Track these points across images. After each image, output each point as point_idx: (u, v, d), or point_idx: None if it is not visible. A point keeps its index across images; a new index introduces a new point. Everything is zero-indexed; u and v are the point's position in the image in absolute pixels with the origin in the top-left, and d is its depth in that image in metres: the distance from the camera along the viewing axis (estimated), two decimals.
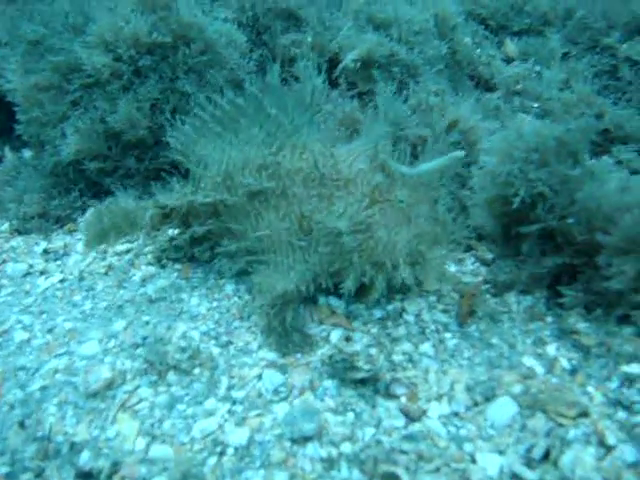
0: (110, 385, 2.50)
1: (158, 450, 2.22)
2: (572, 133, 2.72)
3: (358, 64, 3.86)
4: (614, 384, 2.39)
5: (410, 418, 2.32)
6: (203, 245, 3.03)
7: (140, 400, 2.43)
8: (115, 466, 2.17)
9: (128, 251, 3.41)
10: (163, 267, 3.23)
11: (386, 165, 2.57)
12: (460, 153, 2.39)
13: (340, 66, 3.92)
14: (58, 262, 3.43)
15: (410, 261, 2.50)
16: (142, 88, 3.48)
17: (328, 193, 2.59)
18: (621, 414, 2.26)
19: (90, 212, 3.75)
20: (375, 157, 2.61)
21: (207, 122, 2.94)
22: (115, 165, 3.68)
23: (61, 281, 3.23)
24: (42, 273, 3.34)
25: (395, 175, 2.56)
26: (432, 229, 2.53)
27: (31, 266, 3.40)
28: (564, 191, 2.68)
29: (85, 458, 2.21)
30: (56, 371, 2.60)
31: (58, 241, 3.62)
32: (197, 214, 2.93)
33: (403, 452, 2.17)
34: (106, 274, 3.25)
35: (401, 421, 2.30)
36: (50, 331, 2.85)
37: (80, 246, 3.53)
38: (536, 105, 4.93)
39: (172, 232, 3.26)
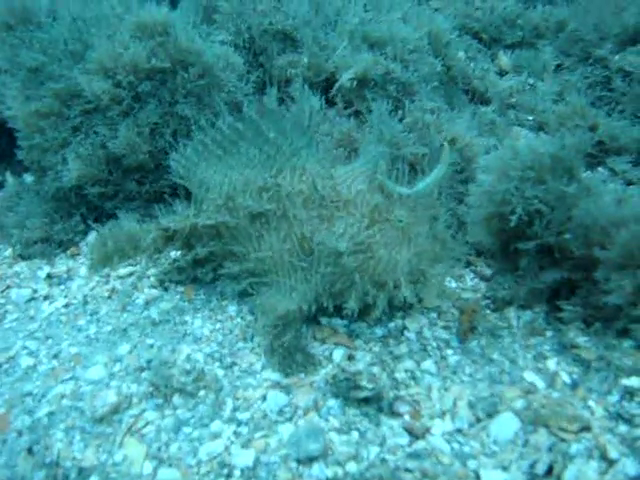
0: (116, 409, 2.52)
1: (166, 474, 2.25)
2: (567, 149, 2.76)
3: (354, 83, 3.89)
4: (615, 398, 2.42)
5: (414, 436, 2.35)
6: (206, 267, 3.07)
7: (146, 424, 2.46)
8: None
9: (131, 274, 3.44)
10: (166, 290, 3.26)
11: (384, 186, 2.61)
12: (447, 157, 2.48)
13: (336, 85, 3.96)
14: (62, 287, 3.45)
15: (411, 279, 2.54)
16: (142, 113, 3.51)
17: (328, 214, 2.63)
18: (622, 428, 2.29)
19: (93, 236, 3.78)
20: (373, 178, 2.64)
21: (208, 145, 2.97)
22: (116, 189, 3.71)
23: (65, 306, 3.26)
24: (46, 298, 3.37)
25: (393, 195, 2.59)
26: (432, 247, 2.57)
27: (35, 291, 3.43)
28: (561, 207, 2.72)
29: None
30: (63, 396, 2.62)
31: (61, 265, 3.65)
32: (199, 236, 2.97)
33: (408, 470, 2.20)
34: (110, 298, 3.28)
35: (405, 439, 2.33)
36: (56, 356, 2.87)
37: (83, 270, 3.56)
38: (531, 118, 4.98)
39: (175, 254, 3.29)
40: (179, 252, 3.19)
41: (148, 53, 3.43)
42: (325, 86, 4.12)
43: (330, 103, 4.03)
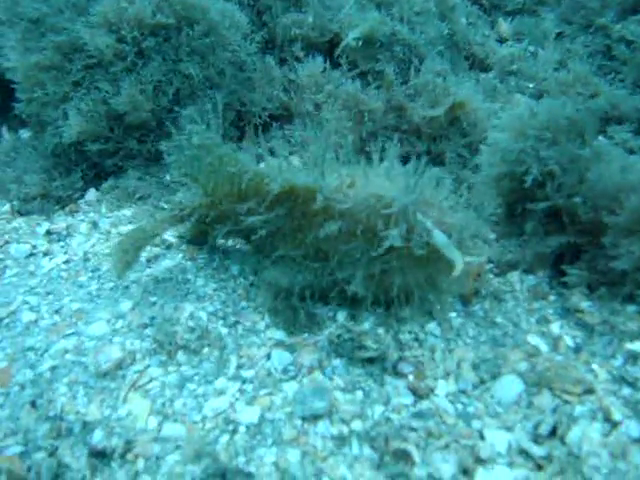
0: (120, 365, 2.51)
1: (171, 429, 2.25)
2: (582, 113, 2.74)
3: (360, 43, 3.84)
4: (618, 361, 2.43)
5: (418, 396, 2.36)
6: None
7: (150, 380, 2.45)
8: (128, 444, 2.19)
9: None
10: (168, 248, 3.24)
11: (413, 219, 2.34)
12: (460, 266, 2.26)
13: (342, 45, 3.91)
14: (61, 243, 3.42)
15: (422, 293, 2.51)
16: (145, 70, 3.46)
17: (346, 239, 2.45)
18: (626, 390, 2.31)
19: (93, 193, 3.75)
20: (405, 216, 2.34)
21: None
22: (117, 147, 3.67)
23: (66, 262, 3.23)
24: (46, 254, 3.33)
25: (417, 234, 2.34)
26: (446, 277, 2.42)
27: (34, 247, 3.39)
28: (573, 170, 2.71)
29: (98, 437, 2.22)
30: (65, 351, 2.60)
31: (60, 222, 3.61)
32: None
33: (413, 429, 2.21)
34: (111, 255, 3.25)
35: (409, 399, 2.34)
36: (57, 312, 2.85)
37: (83, 227, 3.53)
38: (531, 85, 4.94)
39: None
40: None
41: (153, 8, 3.37)
42: (329, 47, 4.08)
43: (334, 64, 3.99)
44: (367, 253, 2.40)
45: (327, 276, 2.57)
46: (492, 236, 3.16)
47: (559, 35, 5.63)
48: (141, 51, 3.45)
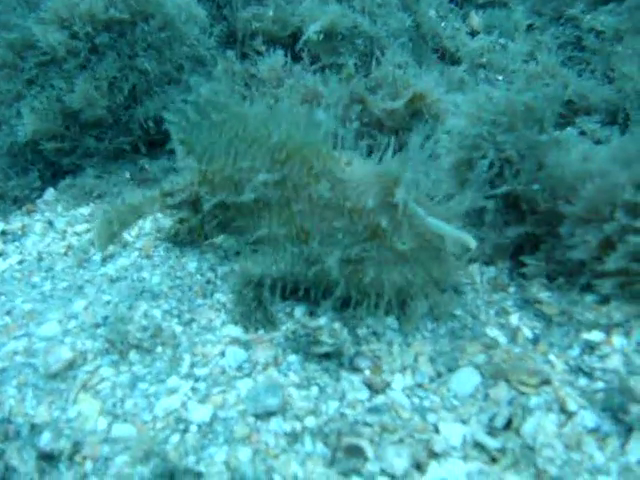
0: (71, 366, 2.46)
1: (120, 429, 2.20)
2: (540, 100, 2.72)
3: (321, 36, 3.81)
4: (575, 352, 2.42)
5: (374, 391, 2.33)
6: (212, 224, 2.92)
7: (102, 380, 2.40)
8: (76, 446, 2.15)
9: (88, 230, 3.36)
10: (124, 246, 3.19)
11: (402, 205, 2.28)
12: (473, 243, 2.21)
13: (303, 38, 3.87)
14: (16, 243, 3.36)
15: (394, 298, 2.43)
16: (100, 66, 3.41)
17: (331, 216, 2.44)
18: (582, 381, 2.29)
19: (51, 193, 3.70)
20: (389, 191, 2.30)
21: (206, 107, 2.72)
22: (73, 145, 3.61)
23: (19, 262, 3.17)
24: (0, 255, 3.28)
25: (405, 218, 2.31)
26: (426, 282, 2.40)
27: None
28: (531, 157, 2.69)
29: (46, 439, 2.17)
30: (15, 353, 2.54)
31: (16, 222, 3.54)
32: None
33: (367, 424, 2.18)
34: (65, 254, 3.20)
35: (365, 394, 2.31)
36: (9, 313, 2.79)
37: (39, 227, 3.47)
38: (501, 77, 4.93)
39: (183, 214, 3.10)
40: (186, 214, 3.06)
41: (106, 3, 3.32)
42: (291, 41, 4.04)
43: (296, 58, 3.95)
44: (349, 234, 2.37)
45: (303, 264, 2.52)
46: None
47: (530, 27, 5.62)
48: (95, 47, 3.39)
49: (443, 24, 5.35)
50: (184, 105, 2.77)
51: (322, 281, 2.50)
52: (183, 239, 3.14)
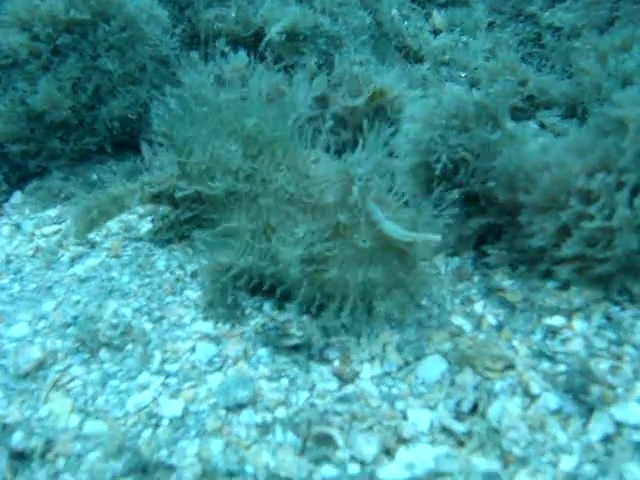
0: (41, 365, 2.46)
1: (92, 426, 2.22)
2: (492, 97, 2.78)
3: (283, 37, 3.85)
4: (538, 337, 2.47)
5: (343, 380, 2.36)
6: (191, 224, 2.98)
7: (72, 378, 2.41)
8: (48, 444, 2.15)
9: (56, 232, 3.35)
10: (92, 246, 3.19)
11: (362, 204, 2.32)
12: (437, 237, 2.21)
13: (265, 39, 3.90)
14: None
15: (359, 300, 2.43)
16: (62, 67, 3.41)
17: (294, 212, 2.49)
18: (545, 364, 2.34)
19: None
20: (348, 190, 2.34)
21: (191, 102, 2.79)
22: (39, 147, 3.60)
23: None
24: None
25: (365, 216, 2.33)
26: (392, 276, 2.39)
27: None
28: (485, 155, 2.74)
29: (18, 438, 2.17)
30: None
31: None
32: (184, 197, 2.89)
33: (337, 413, 2.21)
34: (34, 256, 3.19)
35: (335, 384, 2.34)
36: None
37: (6, 230, 3.45)
38: (463, 74, 5.00)
39: (163, 210, 3.18)
40: (166, 208, 3.11)
41: (66, 4, 3.31)
42: (254, 41, 4.07)
43: (260, 58, 3.98)
44: (311, 233, 2.38)
45: (268, 260, 2.54)
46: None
47: (490, 25, 5.71)
48: (57, 48, 3.39)
49: (406, 23, 5.42)
50: (168, 98, 2.84)
51: (285, 279, 2.51)
52: (162, 237, 3.16)
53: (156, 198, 3.01)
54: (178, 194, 2.83)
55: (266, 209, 2.55)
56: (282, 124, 2.60)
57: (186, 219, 2.95)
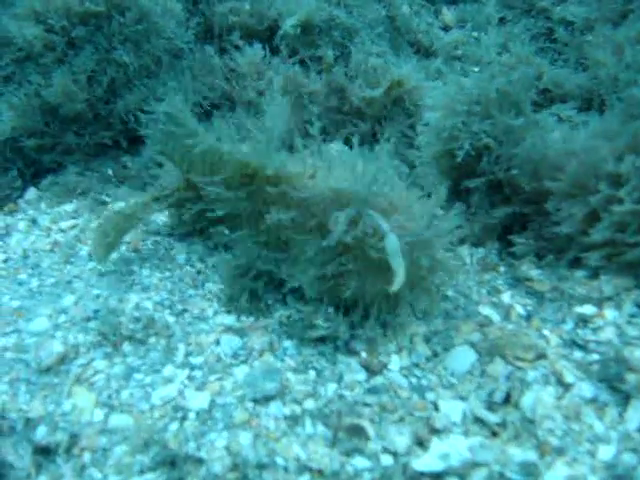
0: (63, 360, 2.42)
1: (117, 420, 2.18)
2: (513, 84, 2.74)
3: (298, 29, 3.81)
4: (569, 326, 2.44)
5: (371, 372, 2.33)
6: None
7: (95, 372, 2.37)
8: (73, 438, 2.12)
9: (74, 227, 3.32)
10: None
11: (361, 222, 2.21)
12: (397, 285, 2.10)
13: (280, 32, 3.87)
14: (0, 242, 3.30)
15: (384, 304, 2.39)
16: (77, 60, 3.37)
17: (302, 232, 2.38)
18: (577, 353, 2.31)
19: (33, 192, 3.65)
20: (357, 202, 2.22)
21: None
22: (54, 141, 3.57)
23: (5, 261, 3.11)
24: None
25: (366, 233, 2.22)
26: (410, 278, 2.24)
27: None
28: (509, 142, 2.71)
29: (42, 433, 2.14)
30: (5, 349, 2.49)
31: None
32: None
33: (366, 405, 2.19)
34: (52, 251, 3.15)
35: (362, 375, 2.31)
36: None
37: (22, 225, 3.41)
38: (476, 69, 4.96)
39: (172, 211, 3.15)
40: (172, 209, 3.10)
41: None
42: (269, 34, 4.03)
43: (274, 51, 3.95)
44: (321, 251, 2.31)
45: (286, 268, 2.51)
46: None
47: (501, 20, 5.68)
48: (71, 41, 3.36)
49: (416, 19, 5.39)
50: (158, 115, 2.75)
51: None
52: (180, 231, 3.14)
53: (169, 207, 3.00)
54: (186, 214, 2.83)
55: (275, 227, 2.46)
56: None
57: (202, 215, 2.88)
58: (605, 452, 1.97)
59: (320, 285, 2.39)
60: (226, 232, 2.74)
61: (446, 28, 5.66)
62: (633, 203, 2.39)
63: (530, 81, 2.83)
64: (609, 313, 2.43)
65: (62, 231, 3.31)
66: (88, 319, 2.62)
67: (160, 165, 3.09)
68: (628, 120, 2.58)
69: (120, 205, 2.99)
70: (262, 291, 2.64)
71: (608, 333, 2.35)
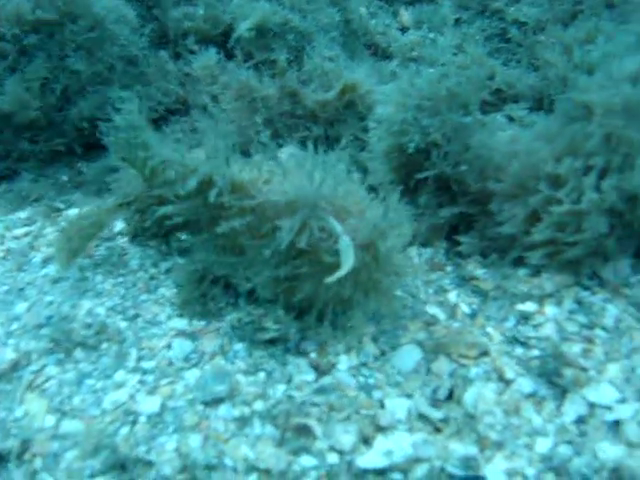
0: (15, 366, 2.45)
1: (69, 425, 2.21)
2: (463, 85, 2.81)
3: (253, 33, 3.85)
4: (511, 323, 2.51)
5: (320, 372, 2.37)
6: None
7: (48, 379, 2.40)
8: (25, 444, 2.14)
9: (27, 234, 3.32)
10: None
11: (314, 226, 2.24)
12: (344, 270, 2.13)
13: (234, 36, 3.91)
14: None
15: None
16: (30, 67, 3.38)
17: (257, 236, 2.40)
18: (518, 350, 2.38)
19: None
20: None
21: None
22: (8, 149, 3.57)
23: None
24: None
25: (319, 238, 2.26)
26: (364, 282, 2.35)
27: None
28: (457, 139, 2.77)
29: None
30: None
31: None
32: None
33: (314, 404, 2.22)
34: (4, 258, 3.16)
35: (311, 376, 2.35)
36: None
37: None
38: (432, 70, 5.03)
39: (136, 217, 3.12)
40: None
41: (33, 4, 3.28)
42: (223, 39, 4.07)
43: (229, 56, 3.98)
44: (276, 254, 2.34)
45: (239, 277, 2.54)
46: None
47: (457, 21, 5.76)
48: (23, 48, 3.36)
49: (374, 21, 5.45)
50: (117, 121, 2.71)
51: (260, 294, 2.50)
52: (139, 239, 3.15)
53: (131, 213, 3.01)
54: (149, 219, 2.85)
55: (230, 232, 2.44)
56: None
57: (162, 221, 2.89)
58: (542, 445, 2.04)
59: (274, 287, 2.43)
60: (183, 237, 2.79)
61: (403, 29, 5.72)
62: (571, 204, 2.47)
63: (480, 83, 2.90)
64: (549, 310, 2.51)
65: (16, 238, 3.31)
66: (41, 326, 2.64)
67: (116, 170, 3.10)
68: (567, 122, 2.66)
69: (85, 210, 2.96)
70: (215, 295, 2.68)
71: (548, 329, 2.43)
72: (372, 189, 3.00)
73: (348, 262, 2.14)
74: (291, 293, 2.40)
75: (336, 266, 2.17)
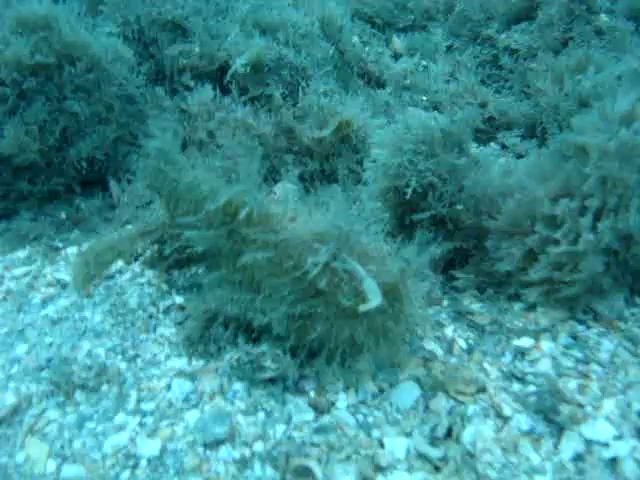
0: (16, 410, 2.45)
1: (70, 470, 2.21)
2: (456, 124, 2.85)
3: (248, 68, 3.90)
4: (507, 358, 2.53)
5: (319, 411, 2.39)
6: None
7: (48, 422, 2.40)
8: None
9: (27, 274, 3.34)
10: (64, 287, 3.19)
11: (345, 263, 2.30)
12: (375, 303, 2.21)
13: (230, 71, 3.96)
14: None
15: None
16: (29, 111, 3.41)
17: (277, 272, 2.43)
18: (515, 386, 2.40)
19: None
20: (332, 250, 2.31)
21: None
22: (6, 190, 3.59)
23: None
24: None
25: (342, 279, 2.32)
26: (376, 330, 2.37)
27: None
28: (452, 179, 2.81)
29: None
30: None
31: None
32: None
33: (314, 445, 2.24)
34: (4, 299, 3.17)
35: (311, 415, 2.36)
36: None
37: None
38: (425, 98, 5.10)
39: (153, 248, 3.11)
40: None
41: (31, 48, 3.33)
42: (219, 75, 4.12)
43: (225, 91, 4.03)
44: (294, 292, 2.38)
45: (254, 312, 2.53)
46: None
47: (449, 48, 5.83)
48: (22, 92, 3.40)
49: (367, 49, 5.52)
50: (148, 150, 2.80)
51: (273, 331, 2.50)
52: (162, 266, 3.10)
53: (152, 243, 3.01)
54: (167, 249, 2.85)
55: (250, 266, 2.50)
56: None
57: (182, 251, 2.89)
58: None
59: (289, 324, 2.43)
60: (199, 271, 2.81)
61: (396, 56, 5.79)
62: (569, 244, 2.51)
63: (473, 120, 2.94)
64: (545, 345, 2.54)
65: (15, 278, 3.33)
66: (41, 368, 2.65)
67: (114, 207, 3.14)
68: (561, 161, 2.70)
69: (105, 238, 2.99)
70: (219, 336, 2.70)
71: (544, 365, 2.46)
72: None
73: (376, 298, 2.20)
74: (304, 332, 2.42)
75: (352, 311, 2.25)
